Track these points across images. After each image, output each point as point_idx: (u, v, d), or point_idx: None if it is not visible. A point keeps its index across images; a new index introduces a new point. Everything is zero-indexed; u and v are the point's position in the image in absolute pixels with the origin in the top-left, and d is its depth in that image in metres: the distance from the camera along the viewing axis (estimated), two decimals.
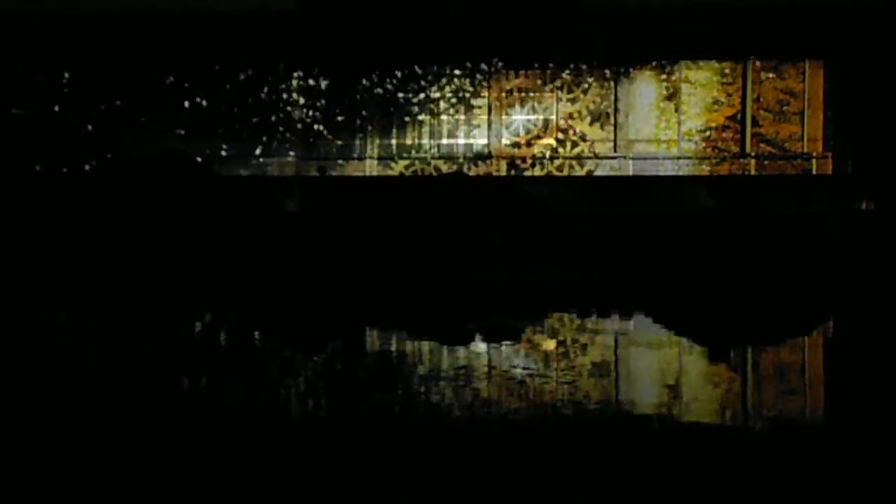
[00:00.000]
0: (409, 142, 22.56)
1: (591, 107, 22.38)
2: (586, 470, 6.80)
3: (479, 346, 11.82)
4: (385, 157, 22.36)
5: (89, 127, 21.93)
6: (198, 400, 8.98)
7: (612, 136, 22.44)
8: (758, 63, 22.05)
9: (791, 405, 8.78)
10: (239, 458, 7.02)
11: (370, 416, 8.24)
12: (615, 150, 22.34)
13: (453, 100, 22.38)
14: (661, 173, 22.25)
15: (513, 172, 22.45)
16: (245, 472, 6.70)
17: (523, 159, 22.56)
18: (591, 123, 22.46)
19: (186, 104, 21.92)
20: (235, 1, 21.19)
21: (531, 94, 22.50)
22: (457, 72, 22.22)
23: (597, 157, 22.34)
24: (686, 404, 8.80)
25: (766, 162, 22.13)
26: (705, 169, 22.43)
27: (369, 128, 22.50)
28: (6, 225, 18.02)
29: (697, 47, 21.75)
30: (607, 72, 22.16)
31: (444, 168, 22.21)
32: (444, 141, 22.60)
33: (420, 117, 22.43)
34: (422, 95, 22.35)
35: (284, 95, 22.22)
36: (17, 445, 7.37)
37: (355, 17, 21.38)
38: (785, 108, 22.27)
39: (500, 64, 22.11)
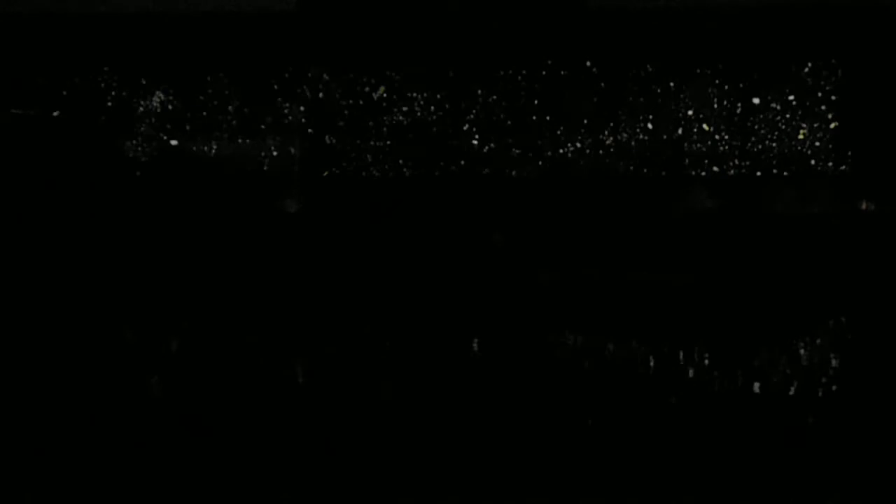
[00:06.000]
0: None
1: None
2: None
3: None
4: None
5: (90, 127, 21.91)
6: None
7: None
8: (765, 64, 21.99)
9: (792, 405, 8.77)
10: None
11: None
12: None
13: None
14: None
15: None
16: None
17: None
18: None
19: (186, 104, 21.91)
20: (236, 1, 21.16)
21: None
22: None
23: None
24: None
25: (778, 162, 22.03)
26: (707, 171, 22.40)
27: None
28: (6, 225, 18.02)
29: (707, 48, 21.62)
30: None
31: None
32: None
33: None
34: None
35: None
36: None
37: (356, 17, 21.35)
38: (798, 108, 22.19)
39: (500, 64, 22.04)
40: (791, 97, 22.57)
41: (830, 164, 21.98)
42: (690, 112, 22.81)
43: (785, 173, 22.28)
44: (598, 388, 9.48)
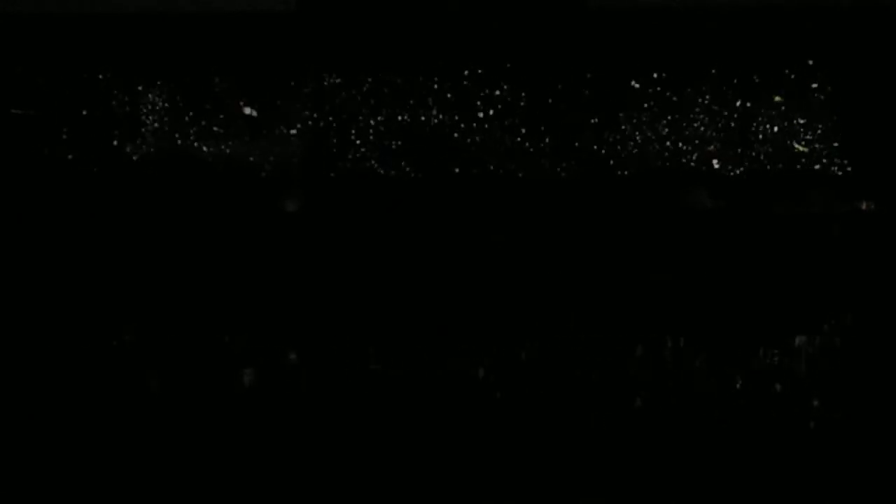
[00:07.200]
0: None
1: None
2: None
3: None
4: None
5: (89, 127, 21.91)
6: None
7: None
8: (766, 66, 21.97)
9: (793, 405, 8.76)
10: None
11: None
12: None
13: None
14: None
15: None
16: None
17: None
18: None
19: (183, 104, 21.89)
20: (236, 1, 21.15)
21: None
22: None
23: None
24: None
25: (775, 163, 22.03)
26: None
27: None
28: (6, 225, 18.03)
29: (708, 48, 21.61)
30: None
31: None
32: None
33: None
34: None
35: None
36: None
37: (356, 17, 21.35)
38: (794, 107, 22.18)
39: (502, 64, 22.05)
40: (792, 97, 22.58)
41: (830, 164, 22.01)
42: (690, 112, 22.83)
43: (785, 173, 22.31)
44: (598, 389, 9.48)
